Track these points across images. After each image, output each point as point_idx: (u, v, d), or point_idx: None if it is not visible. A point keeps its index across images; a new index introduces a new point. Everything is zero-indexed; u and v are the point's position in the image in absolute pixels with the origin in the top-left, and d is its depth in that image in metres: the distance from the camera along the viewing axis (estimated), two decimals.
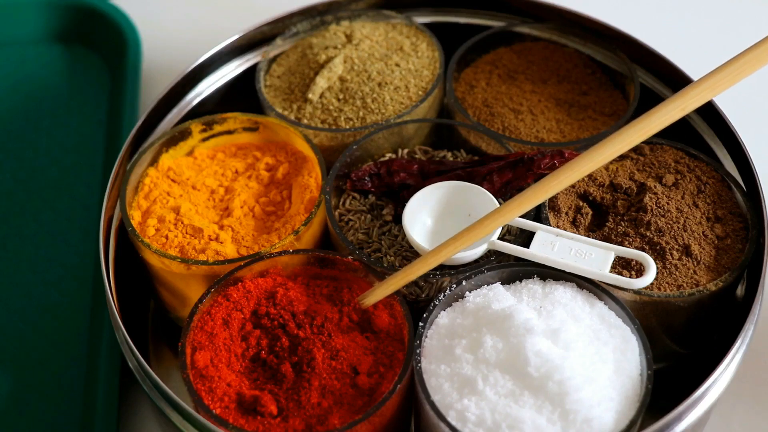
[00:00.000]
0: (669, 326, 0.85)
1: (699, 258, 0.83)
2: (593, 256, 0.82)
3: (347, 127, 0.95)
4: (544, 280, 0.82)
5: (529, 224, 0.85)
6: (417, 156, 0.94)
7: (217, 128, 0.95)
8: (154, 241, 0.87)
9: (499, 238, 0.84)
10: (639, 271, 0.82)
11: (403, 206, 0.87)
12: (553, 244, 0.83)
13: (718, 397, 0.79)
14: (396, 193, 0.90)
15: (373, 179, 0.90)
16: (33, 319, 0.98)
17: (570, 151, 0.88)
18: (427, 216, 0.87)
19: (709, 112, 0.95)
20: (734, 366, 0.79)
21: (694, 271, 0.83)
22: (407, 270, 0.80)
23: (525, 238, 0.85)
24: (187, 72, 0.99)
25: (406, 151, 0.95)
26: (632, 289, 0.81)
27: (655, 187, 0.87)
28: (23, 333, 0.97)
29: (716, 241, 0.85)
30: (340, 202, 0.91)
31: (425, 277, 0.82)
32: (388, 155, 0.94)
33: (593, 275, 0.81)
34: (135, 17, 1.20)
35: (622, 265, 0.83)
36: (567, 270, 0.82)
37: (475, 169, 0.89)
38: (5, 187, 1.10)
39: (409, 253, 0.86)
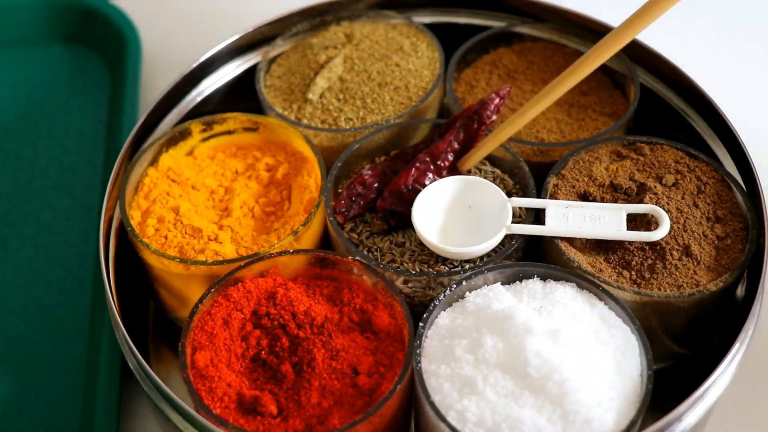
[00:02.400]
0: (669, 326, 0.85)
1: (699, 258, 0.83)
2: (607, 219, 0.84)
3: (347, 127, 0.95)
4: (544, 281, 0.82)
5: (536, 202, 0.86)
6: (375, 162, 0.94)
7: (217, 128, 0.95)
8: (153, 241, 0.87)
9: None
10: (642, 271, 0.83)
11: (395, 214, 0.87)
12: (566, 216, 0.84)
13: (718, 397, 0.79)
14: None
15: (358, 201, 0.89)
16: (33, 319, 0.98)
17: (503, 89, 0.90)
18: (435, 214, 0.88)
19: (709, 112, 0.95)
20: (734, 366, 0.79)
21: (694, 271, 0.83)
22: (501, 130, 0.88)
23: (532, 221, 0.87)
24: (187, 72, 0.99)
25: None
26: (650, 241, 0.83)
27: (655, 187, 0.87)
28: (23, 333, 0.97)
29: (716, 241, 0.85)
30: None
31: (437, 276, 0.83)
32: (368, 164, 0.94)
33: (613, 236, 0.83)
34: (135, 17, 1.20)
35: (623, 264, 0.84)
36: (588, 237, 0.84)
37: (436, 147, 0.89)
38: (5, 187, 1.10)
39: (424, 255, 0.86)
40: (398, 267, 0.84)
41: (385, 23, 1.05)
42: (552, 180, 0.89)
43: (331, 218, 0.87)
